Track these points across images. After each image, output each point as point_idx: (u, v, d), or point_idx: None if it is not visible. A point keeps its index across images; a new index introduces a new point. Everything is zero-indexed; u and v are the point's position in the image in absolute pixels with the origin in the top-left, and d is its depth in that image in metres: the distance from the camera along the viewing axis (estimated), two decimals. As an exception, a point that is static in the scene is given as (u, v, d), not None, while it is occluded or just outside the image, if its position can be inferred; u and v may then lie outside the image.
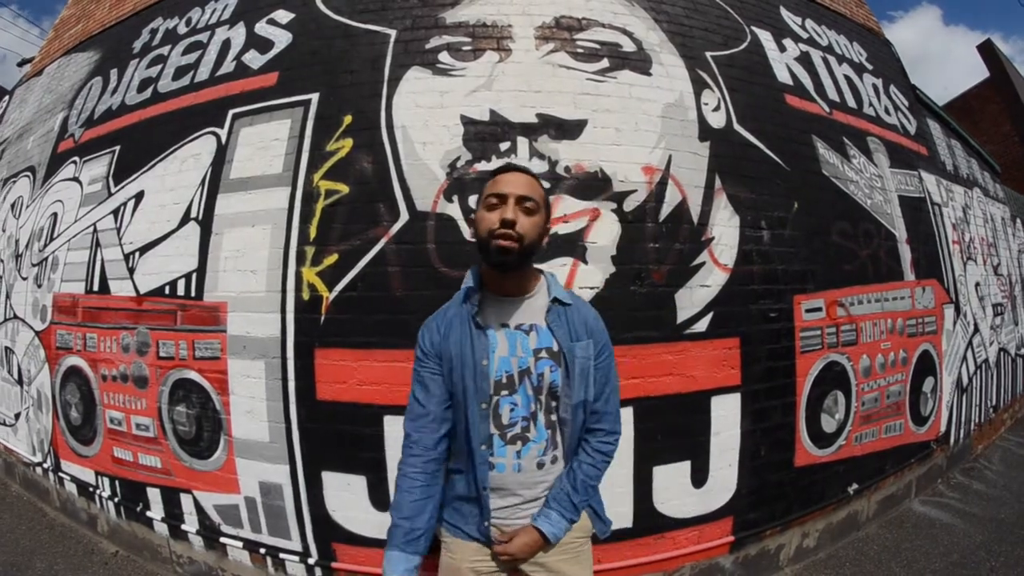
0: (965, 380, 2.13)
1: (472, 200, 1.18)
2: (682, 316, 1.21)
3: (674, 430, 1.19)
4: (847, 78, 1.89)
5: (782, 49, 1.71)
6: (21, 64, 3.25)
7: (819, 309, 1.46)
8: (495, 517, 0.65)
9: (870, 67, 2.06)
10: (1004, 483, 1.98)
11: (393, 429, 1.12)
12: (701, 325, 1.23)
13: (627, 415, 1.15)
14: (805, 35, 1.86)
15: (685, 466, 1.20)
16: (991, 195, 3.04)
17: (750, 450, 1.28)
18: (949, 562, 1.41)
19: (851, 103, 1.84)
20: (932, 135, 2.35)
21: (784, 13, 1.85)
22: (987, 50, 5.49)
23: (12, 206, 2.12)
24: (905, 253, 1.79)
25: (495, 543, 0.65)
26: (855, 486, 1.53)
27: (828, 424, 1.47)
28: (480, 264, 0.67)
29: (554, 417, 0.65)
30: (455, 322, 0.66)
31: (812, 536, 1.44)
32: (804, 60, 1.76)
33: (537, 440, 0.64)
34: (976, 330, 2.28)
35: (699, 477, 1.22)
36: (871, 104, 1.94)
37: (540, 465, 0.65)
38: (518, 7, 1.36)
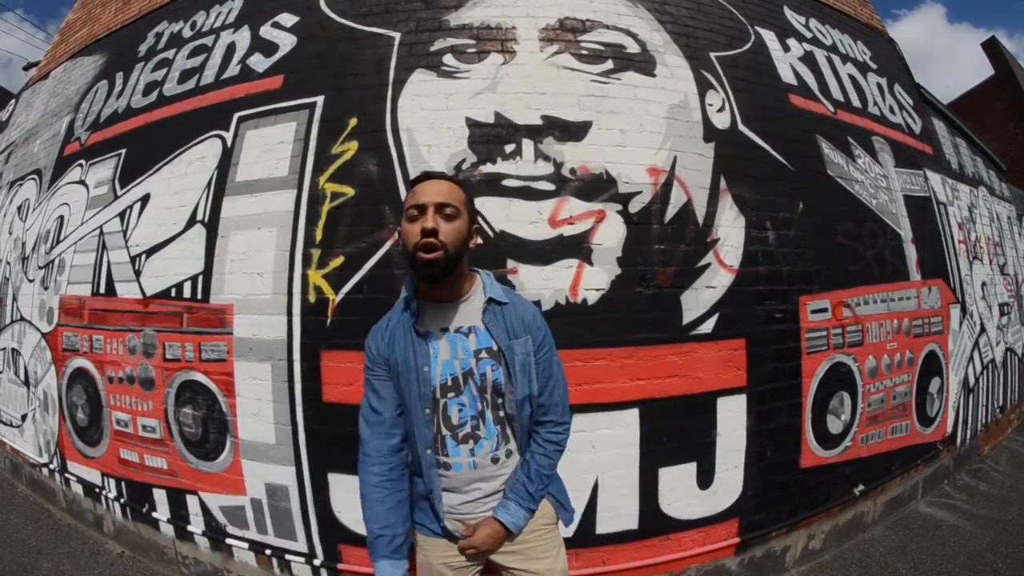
0: (972, 380, 2.12)
1: (477, 202, 1.17)
2: (688, 317, 1.21)
3: (680, 431, 1.19)
4: (851, 77, 1.89)
5: (786, 49, 1.71)
6: (27, 68, 3.28)
7: (825, 310, 1.45)
8: (458, 512, 0.67)
9: (874, 66, 2.05)
10: (1011, 484, 1.97)
11: (399, 431, 1.13)
12: (707, 326, 1.23)
13: (633, 416, 1.15)
14: (809, 35, 1.85)
15: (691, 467, 1.20)
16: (997, 194, 3.02)
17: (756, 451, 1.27)
18: (956, 564, 1.40)
19: (856, 103, 1.84)
20: (937, 134, 2.34)
21: (788, 13, 1.84)
22: (992, 48, 5.45)
23: (19, 209, 2.14)
24: (911, 253, 1.78)
25: (460, 537, 0.67)
26: (861, 487, 1.53)
27: (834, 425, 1.47)
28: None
29: (502, 413, 0.67)
30: (397, 331, 0.67)
31: (818, 538, 1.44)
32: (808, 60, 1.75)
33: (488, 437, 0.66)
34: (983, 330, 2.26)
35: (705, 478, 1.21)
36: (876, 103, 1.93)
37: (495, 460, 0.67)
38: (522, 9, 1.36)
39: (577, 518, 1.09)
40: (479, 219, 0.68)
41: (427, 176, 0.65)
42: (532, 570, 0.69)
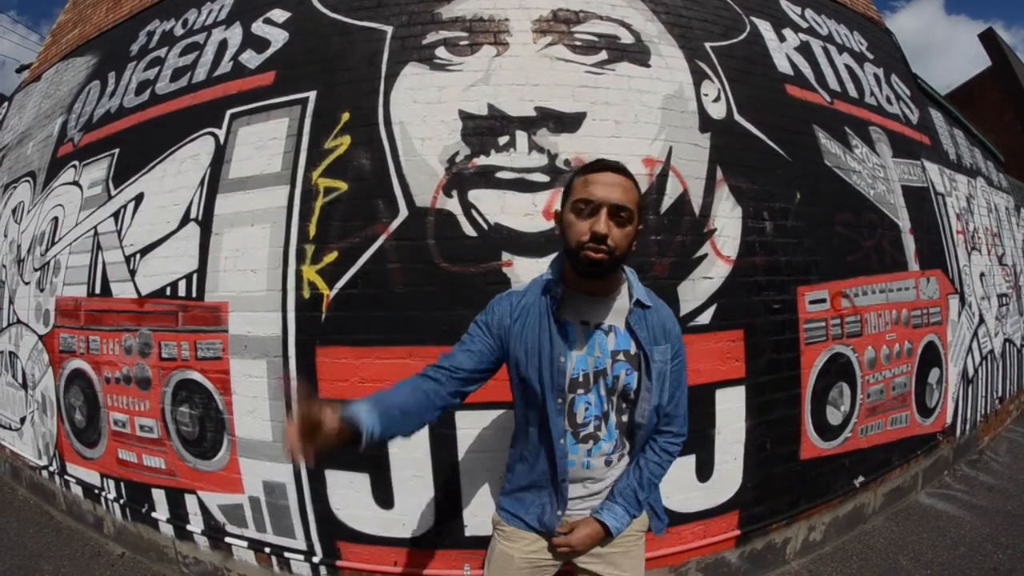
0: (971, 371, 2.11)
1: (472, 195, 1.17)
2: (685, 309, 1.21)
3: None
4: (848, 68, 1.87)
5: (782, 39, 1.70)
6: (19, 70, 3.26)
7: (823, 300, 1.45)
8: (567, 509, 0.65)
9: (871, 56, 2.04)
10: (1010, 475, 1.97)
11: (396, 426, 1.12)
12: (704, 317, 1.22)
13: (631, 409, 1.15)
14: (805, 24, 1.84)
15: (690, 460, 1.20)
16: (995, 184, 3.01)
17: (755, 443, 1.27)
18: (956, 555, 1.40)
19: (852, 93, 1.82)
20: (935, 124, 2.32)
21: (783, 3, 1.83)
22: (989, 39, 5.44)
23: (13, 211, 2.13)
24: (909, 243, 1.78)
25: (555, 534, 0.65)
26: (861, 479, 1.52)
27: (834, 416, 1.46)
28: (562, 259, 0.64)
29: (625, 418, 0.65)
30: (531, 312, 0.63)
31: (818, 529, 1.43)
32: (804, 50, 1.74)
33: (607, 439, 0.64)
34: (981, 321, 2.26)
35: (704, 471, 1.21)
36: (872, 94, 1.92)
37: (607, 463, 0.65)
38: (514, 1, 1.35)
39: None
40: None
41: (604, 166, 0.59)
42: (621, 572, 0.67)
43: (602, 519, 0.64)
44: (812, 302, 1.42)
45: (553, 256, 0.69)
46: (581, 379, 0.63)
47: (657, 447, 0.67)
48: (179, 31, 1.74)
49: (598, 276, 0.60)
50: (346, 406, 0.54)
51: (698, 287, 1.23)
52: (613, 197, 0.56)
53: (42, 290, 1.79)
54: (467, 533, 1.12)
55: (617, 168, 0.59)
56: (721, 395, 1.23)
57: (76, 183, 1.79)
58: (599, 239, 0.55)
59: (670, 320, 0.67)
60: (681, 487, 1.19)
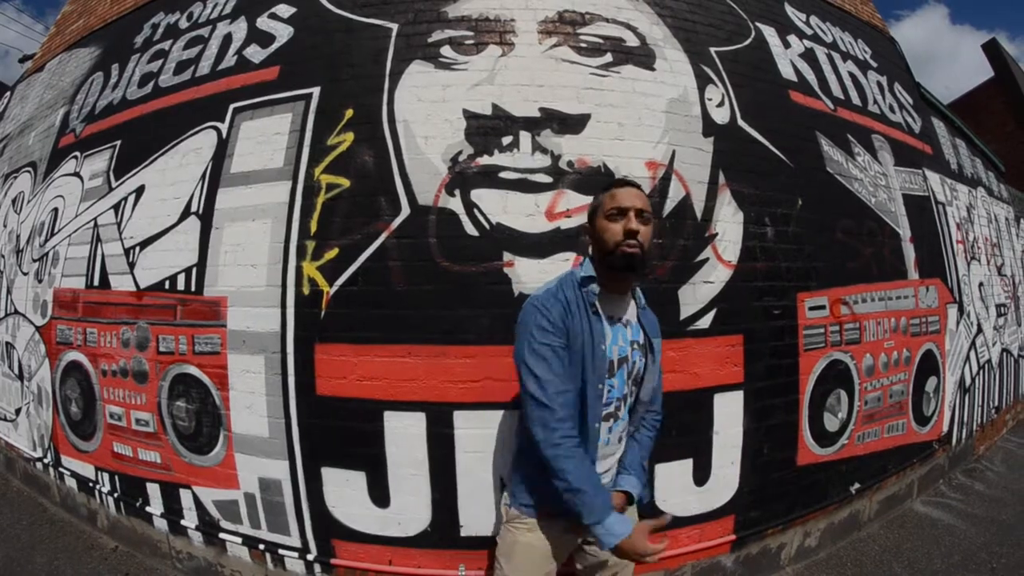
0: (968, 380, 2.12)
1: (474, 194, 1.17)
2: (685, 312, 1.21)
3: (676, 427, 1.18)
4: (852, 75, 1.88)
5: (787, 45, 1.70)
6: (23, 60, 3.25)
7: (823, 307, 1.45)
8: None
9: (875, 64, 2.05)
10: (1005, 484, 1.98)
11: (393, 425, 1.12)
12: (704, 322, 1.22)
13: (629, 412, 1.15)
14: (810, 31, 1.84)
15: (687, 464, 1.20)
16: (995, 195, 3.02)
17: (752, 448, 1.27)
18: (950, 563, 1.41)
19: (856, 100, 1.83)
20: (937, 134, 2.33)
21: (789, 9, 1.84)
22: (992, 49, 5.46)
23: (13, 202, 2.12)
24: (909, 252, 1.78)
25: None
26: (857, 485, 1.52)
27: (831, 423, 1.47)
28: (595, 262, 0.75)
29: (632, 399, 0.77)
30: (576, 304, 0.72)
31: (814, 535, 1.44)
32: (809, 56, 1.75)
33: (623, 418, 0.76)
34: (979, 330, 2.26)
35: (701, 475, 1.21)
36: (876, 102, 1.93)
37: (620, 439, 0.77)
38: (520, 1, 1.35)
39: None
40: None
41: (626, 183, 0.74)
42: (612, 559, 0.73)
43: (627, 488, 0.76)
44: (812, 308, 1.42)
45: (583, 260, 0.78)
46: (608, 366, 0.72)
47: (648, 424, 0.81)
48: (184, 24, 1.73)
49: (633, 269, 0.70)
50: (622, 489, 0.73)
51: (699, 291, 1.23)
52: (638, 203, 0.71)
53: (40, 281, 1.78)
54: (463, 533, 1.11)
55: (635, 184, 0.75)
56: (719, 399, 1.23)
57: (77, 174, 1.79)
58: (632, 234, 0.68)
59: (657, 320, 0.82)
60: (678, 491, 1.19)
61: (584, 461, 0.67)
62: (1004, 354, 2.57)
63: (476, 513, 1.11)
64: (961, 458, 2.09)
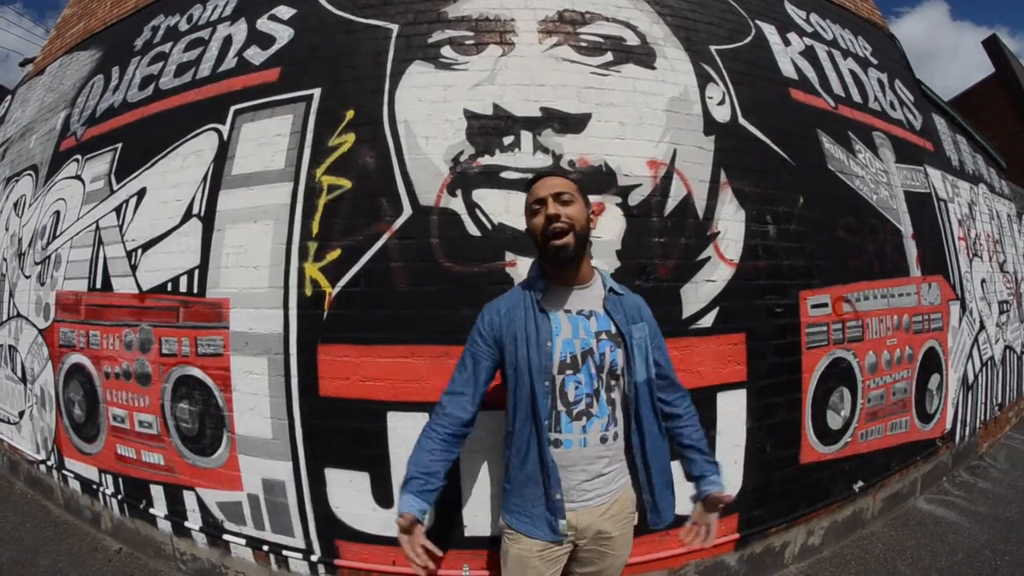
0: (971, 377, 2.11)
1: (476, 194, 1.17)
2: (687, 311, 1.20)
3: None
4: (852, 73, 1.87)
5: (787, 43, 1.70)
6: (23, 64, 3.25)
7: (825, 305, 1.45)
8: (564, 498, 0.70)
9: (875, 62, 2.04)
10: (1009, 481, 1.97)
11: (396, 426, 1.12)
12: (707, 320, 1.22)
13: (632, 411, 1.15)
14: (810, 29, 1.84)
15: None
16: (997, 191, 3.01)
17: (756, 447, 1.27)
18: (954, 560, 1.40)
19: (856, 98, 1.82)
20: (938, 130, 2.33)
21: (789, 7, 1.83)
22: (992, 45, 5.44)
23: (15, 205, 2.12)
24: (911, 249, 1.77)
25: (563, 536, 0.69)
26: (860, 483, 1.52)
27: (834, 421, 1.46)
28: (539, 262, 0.75)
29: (614, 395, 0.71)
30: (518, 308, 0.72)
31: (817, 534, 1.43)
32: (809, 54, 1.74)
33: (599, 415, 0.70)
34: (982, 327, 2.26)
35: (704, 474, 1.21)
36: (876, 99, 1.92)
37: (603, 440, 0.70)
38: (520, 1, 1.35)
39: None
40: (586, 205, 0.74)
41: (541, 175, 0.73)
42: (614, 552, 0.72)
43: (716, 490, 0.73)
44: (814, 306, 1.42)
45: (531, 261, 0.80)
46: (569, 360, 0.70)
47: (683, 412, 0.77)
48: (184, 26, 1.74)
49: (571, 256, 0.69)
50: (412, 509, 0.68)
51: (701, 290, 1.23)
52: (555, 188, 0.69)
53: (43, 284, 1.78)
54: (467, 533, 1.11)
55: (552, 173, 0.74)
56: (722, 398, 1.23)
57: (78, 177, 1.79)
58: (553, 219, 0.67)
59: (643, 304, 0.78)
60: (680, 489, 1.18)
61: (436, 458, 0.69)
62: (1007, 351, 2.56)
63: (479, 513, 1.11)
64: (964, 455, 2.09)
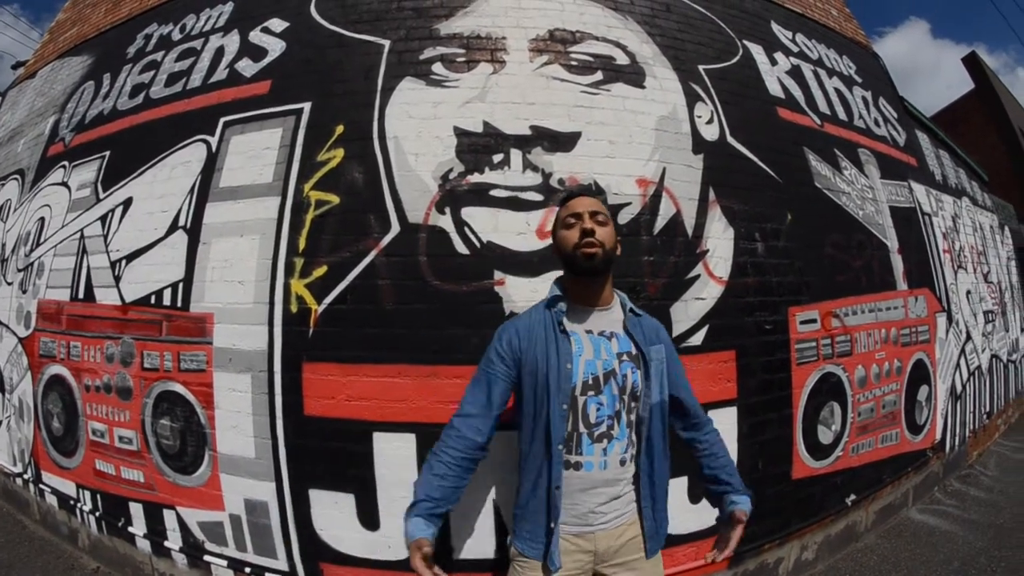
0: (959, 388, 2.14)
1: (465, 212, 1.17)
2: (678, 329, 1.21)
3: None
4: (837, 91, 1.92)
5: (774, 63, 1.74)
6: (15, 67, 3.22)
7: (814, 320, 1.46)
8: (580, 521, 0.69)
9: (860, 80, 2.10)
10: (1001, 488, 1.99)
11: (383, 447, 1.10)
12: (697, 338, 1.22)
13: (621, 429, 1.14)
14: (796, 49, 1.88)
15: (682, 482, 1.19)
16: (979, 204, 3.09)
17: (747, 464, 1.27)
18: (950, 570, 1.40)
19: (842, 115, 1.87)
20: (921, 146, 2.39)
21: (775, 27, 1.88)
22: (972, 63, 5.63)
23: (0, 209, 2.08)
24: (897, 263, 1.81)
25: (555, 568, 0.68)
26: (853, 497, 1.52)
27: (825, 436, 1.47)
28: (564, 279, 0.75)
29: (633, 416, 0.71)
30: (537, 328, 0.72)
31: (811, 549, 1.43)
32: (795, 73, 1.78)
33: (620, 438, 0.70)
34: (968, 337, 2.30)
35: (696, 492, 1.20)
36: (861, 116, 1.97)
37: (622, 462, 0.70)
38: (512, 19, 1.37)
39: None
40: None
41: (580, 192, 0.79)
42: (644, 569, 0.71)
43: (742, 509, 0.74)
44: (803, 322, 1.43)
45: (554, 278, 0.78)
46: (591, 381, 0.69)
47: (710, 436, 0.78)
48: (176, 36, 1.73)
49: (596, 271, 0.69)
50: (424, 534, 0.66)
51: (691, 308, 1.23)
52: (592, 207, 0.72)
53: (24, 291, 1.74)
54: (456, 556, 1.09)
55: (589, 192, 0.79)
56: (713, 416, 1.19)
57: (65, 184, 1.76)
58: (588, 233, 0.68)
59: (660, 327, 0.78)
60: (673, 509, 1.14)
61: (448, 484, 0.68)
62: (993, 360, 2.61)
63: (468, 537, 1.09)
64: (955, 465, 2.11)
